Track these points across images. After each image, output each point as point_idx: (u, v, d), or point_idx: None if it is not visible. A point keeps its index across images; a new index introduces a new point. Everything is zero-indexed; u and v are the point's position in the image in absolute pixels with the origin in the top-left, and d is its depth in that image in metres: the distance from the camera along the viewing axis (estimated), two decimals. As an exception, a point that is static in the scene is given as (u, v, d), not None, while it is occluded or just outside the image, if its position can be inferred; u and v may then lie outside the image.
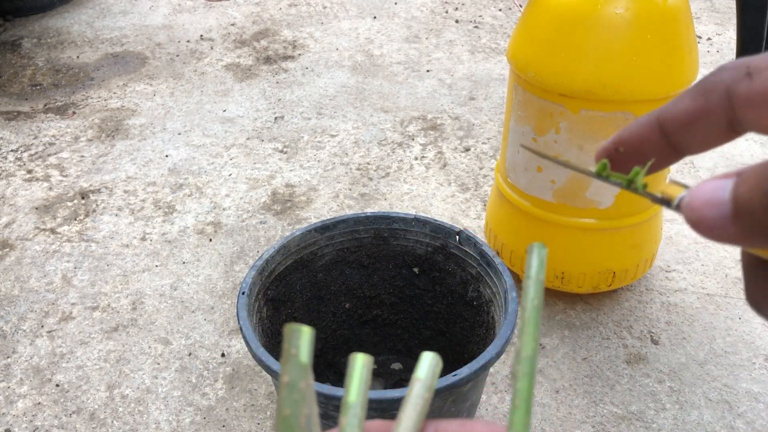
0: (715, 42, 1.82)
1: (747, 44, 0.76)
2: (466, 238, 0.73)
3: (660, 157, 0.23)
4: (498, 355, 0.58)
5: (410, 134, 1.39)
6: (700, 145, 0.23)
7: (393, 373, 0.83)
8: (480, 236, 1.03)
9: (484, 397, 0.80)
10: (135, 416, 0.79)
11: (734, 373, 0.84)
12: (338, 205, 1.17)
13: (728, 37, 1.85)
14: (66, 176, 1.27)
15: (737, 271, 1.01)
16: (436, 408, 0.59)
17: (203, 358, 0.87)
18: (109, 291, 0.99)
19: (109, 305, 0.96)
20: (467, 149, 1.34)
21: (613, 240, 0.87)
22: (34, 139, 1.39)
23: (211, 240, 1.09)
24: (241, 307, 0.63)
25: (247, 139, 1.38)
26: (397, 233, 0.77)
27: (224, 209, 1.16)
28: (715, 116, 0.22)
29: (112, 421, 0.79)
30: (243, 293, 0.65)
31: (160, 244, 1.08)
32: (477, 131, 1.40)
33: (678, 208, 0.20)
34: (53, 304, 0.97)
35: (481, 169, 1.27)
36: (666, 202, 0.20)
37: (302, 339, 0.16)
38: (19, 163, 1.32)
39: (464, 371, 0.56)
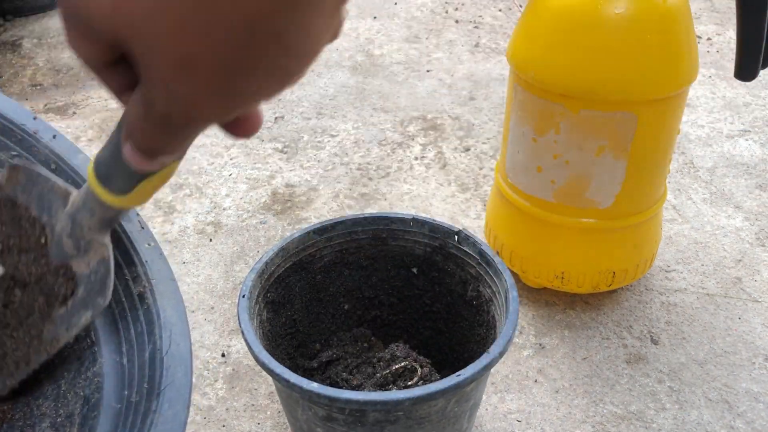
0: (715, 42, 1.82)
1: (747, 45, 0.76)
2: (465, 238, 0.73)
3: None
4: (501, 355, 0.58)
5: (410, 134, 1.39)
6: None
7: (393, 374, 0.83)
8: (480, 236, 1.03)
9: (484, 397, 0.81)
10: (135, 417, 0.80)
11: (734, 373, 0.84)
12: (338, 205, 1.17)
13: (728, 37, 1.85)
14: (66, 176, 1.27)
15: (737, 271, 1.01)
16: (440, 408, 0.59)
17: (203, 357, 0.87)
18: (110, 291, 0.99)
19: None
20: (467, 149, 1.34)
21: (613, 240, 0.87)
22: (34, 139, 1.39)
23: (211, 240, 1.09)
24: (242, 310, 0.63)
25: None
26: (396, 234, 0.77)
27: (224, 209, 1.16)
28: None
29: (113, 422, 0.79)
30: (243, 296, 0.65)
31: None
32: (477, 131, 1.40)
33: None
34: (53, 304, 0.97)
35: (481, 169, 1.27)
36: None
37: None
38: (19, 163, 1.32)
39: (468, 371, 0.56)
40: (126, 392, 0.35)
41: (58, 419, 0.37)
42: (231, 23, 0.20)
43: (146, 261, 0.39)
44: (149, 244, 0.40)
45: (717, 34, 1.87)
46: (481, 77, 1.64)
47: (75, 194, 0.39)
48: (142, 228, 0.41)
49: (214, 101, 0.23)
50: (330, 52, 1.77)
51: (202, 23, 0.20)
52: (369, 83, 1.61)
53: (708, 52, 1.76)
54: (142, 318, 0.37)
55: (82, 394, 0.37)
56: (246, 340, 0.60)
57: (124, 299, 0.39)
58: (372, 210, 1.16)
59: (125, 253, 0.40)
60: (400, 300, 0.81)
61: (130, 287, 0.38)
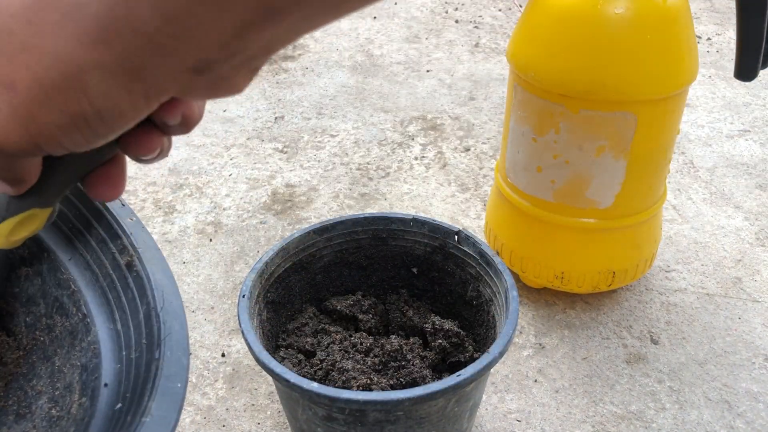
0: (715, 42, 1.82)
1: (747, 46, 0.76)
2: (465, 238, 0.73)
3: None
4: (501, 355, 0.58)
5: (410, 134, 1.39)
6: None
7: (393, 374, 0.83)
8: (480, 236, 1.03)
9: (484, 396, 0.81)
10: (135, 416, 0.80)
11: (734, 373, 0.84)
12: (338, 205, 1.17)
13: (728, 37, 1.85)
14: (66, 176, 1.27)
15: (737, 271, 1.01)
16: (440, 408, 0.59)
17: (203, 357, 0.87)
18: (110, 291, 0.99)
19: (109, 305, 0.96)
20: (467, 149, 1.34)
21: (613, 240, 0.87)
22: (34, 139, 1.39)
23: (211, 240, 1.09)
24: (242, 310, 0.63)
25: (248, 139, 1.38)
26: (396, 234, 0.77)
27: (224, 209, 1.17)
28: None
29: (113, 422, 0.79)
30: (243, 296, 0.65)
31: (161, 244, 1.08)
32: (477, 131, 1.40)
33: None
34: (53, 304, 0.97)
35: (481, 169, 1.27)
36: None
37: None
38: (19, 163, 1.31)
39: (468, 371, 0.56)
40: (125, 352, 0.36)
41: (56, 392, 0.38)
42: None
43: (130, 233, 0.40)
44: (131, 219, 0.41)
45: (717, 34, 1.87)
46: (481, 77, 1.64)
47: None
48: (123, 205, 0.42)
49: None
50: (330, 52, 1.77)
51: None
52: (369, 83, 1.61)
53: (708, 52, 1.76)
54: (132, 284, 0.38)
55: (78, 363, 0.38)
56: (246, 340, 0.60)
57: (112, 272, 0.39)
58: (372, 210, 1.16)
59: (109, 228, 0.41)
60: (400, 300, 0.81)
61: (117, 259, 0.39)
